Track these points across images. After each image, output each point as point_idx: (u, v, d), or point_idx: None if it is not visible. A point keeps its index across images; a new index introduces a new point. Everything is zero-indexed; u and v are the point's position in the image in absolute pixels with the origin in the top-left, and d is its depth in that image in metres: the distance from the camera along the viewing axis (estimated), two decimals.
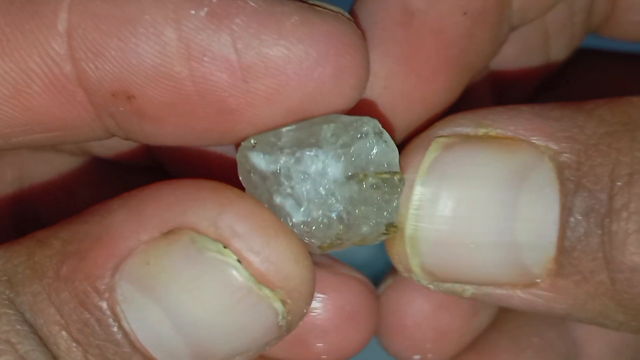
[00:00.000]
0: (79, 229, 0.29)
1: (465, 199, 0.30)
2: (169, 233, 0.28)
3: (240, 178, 0.30)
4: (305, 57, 0.28)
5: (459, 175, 0.30)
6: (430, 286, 0.32)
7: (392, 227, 0.31)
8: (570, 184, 0.30)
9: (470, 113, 0.31)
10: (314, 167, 0.30)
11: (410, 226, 0.31)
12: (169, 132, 0.30)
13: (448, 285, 0.32)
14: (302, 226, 0.30)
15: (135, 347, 0.29)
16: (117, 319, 0.28)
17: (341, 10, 0.30)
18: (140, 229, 0.28)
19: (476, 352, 0.39)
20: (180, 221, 0.28)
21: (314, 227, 0.30)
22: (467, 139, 0.31)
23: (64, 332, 0.28)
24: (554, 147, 0.30)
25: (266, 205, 0.30)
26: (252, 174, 0.30)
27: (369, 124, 0.31)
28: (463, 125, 0.31)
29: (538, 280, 0.30)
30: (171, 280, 0.28)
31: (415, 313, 0.38)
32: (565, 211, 0.29)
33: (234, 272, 0.28)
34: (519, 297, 0.31)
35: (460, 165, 0.30)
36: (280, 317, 0.29)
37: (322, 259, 0.36)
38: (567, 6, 0.40)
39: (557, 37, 0.41)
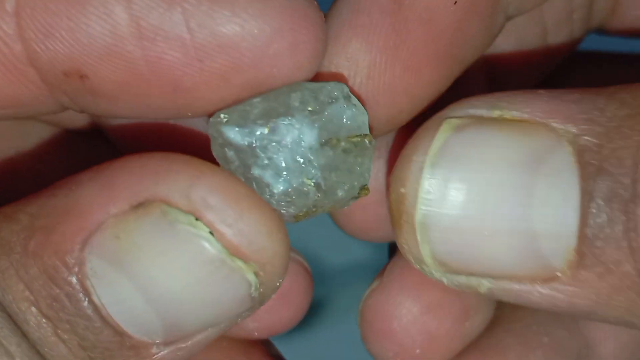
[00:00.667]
0: (46, 202, 0.28)
1: (479, 183, 0.28)
2: (140, 206, 0.28)
3: (213, 154, 0.30)
4: (260, 34, 0.28)
5: (471, 157, 0.28)
6: (444, 279, 0.30)
7: (364, 190, 0.31)
8: (591, 167, 0.28)
9: (485, 96, 0.29)
10: (289, 136, 0.29)
11: (420, 211, 0.29)
12: (124, 109, 0.30)
13: (462, 279, 0.30)
14: (282, 196, 0.29)
15: (106, 321, 0.28)
16: (87, 293, 0.28)
17: None
18: (110, 202, 0.28)
19: (482, 351, 0.37)
20: (151, 193, 0.28)
21: (294, 196, 0.30)
22: (480, 120, 0.29)
23: (33, 308, 0.28)
24: (573, 129, 0.28)
25: (242, 179, 0.29)
26: (226, 149, 0.29)
27: (337, 88, 0.30)
28: (476, 106, 0.29)
29: (558, 274, 0.28)
30: (142, 254, 0.28)
31: (403, 316, 0.36)
32: (586, 197, 0.28)
33: (206, 244, 0.28)
34: (539, 292, 0.29)
35: (473, 147, 0.28)
36: (253, 288, 0.29)
37: None
38: (566, 2, 0.39)
39: (555, 34, 0.40)
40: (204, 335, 0.30)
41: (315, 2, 0.29)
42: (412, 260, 0.30)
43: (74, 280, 0.28)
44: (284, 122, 0.29)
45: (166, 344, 0.29)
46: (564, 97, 0.29)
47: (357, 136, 0.30)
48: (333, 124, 0.30)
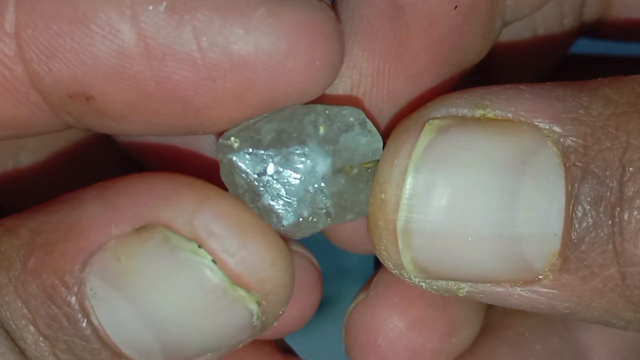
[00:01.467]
0: (48, 218, 0.28)
1: (463, 187, 0.28)
2: (142, 229, 0.27)
3: (222, 178, 0.29)
4: (275, 52, 0.27)
5: (455, 161, 0.28)
6: (423, 284, 0.29)
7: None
8: (577, 169, 0.27)
9: (466, 93, 0.29)
10: (302, 166, 0.29)
11: (402, 217, 0.28)
12: (132, 128, 0.29)
13: (442, 283, 0.29)
14: (292, 227, 0.29)
15: (104, 342, 0.28)
16: (86, 314, 0.28)
17: None
18: (112, 223, 0.27)
19: None
20: (155, 217, 0.27)
21: (303, 226, 0.29)
22: (463, 121, 0.28)
23: (31, 327, 0.27)
24: (558, 129, 0.28)
25: (250, 205, 0.29)
26: (235, 175, 0.29)
27: (354, 115, 0.29)
28: (459, 105, 0.28)
29: (540, 277, 0.28)
30: (142, 279, 0.27)
31: (388, 331, 0.35)
32: (572, 200, 0.27)
33: (209, 273, 0.27)
34: (519, 295, 0.28)
35: (457, 150, 0.28)
36: (255, 317, 0.28)
37: None
38: (557, 7, 0.39)
39: (546, 39, 0.39)
40: (205, 358, 0.29)
41: (332, 11, 0.28)
42: (391, 267, 0.29)
43: (73, 300, 0.27)
44: (297, 152, 0.29)
45: None
46: (547, 93, 0.28)
47: (370, 162, 0.30)
48: (347, 152, 0.29)
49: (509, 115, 0.28)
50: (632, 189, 0.27)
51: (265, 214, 0.29)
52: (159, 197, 0.27)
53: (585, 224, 0.27)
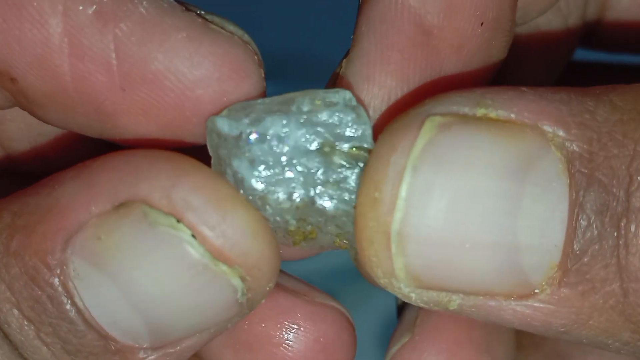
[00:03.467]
0: (29, 201, 0.28)
1: (463, 190, 0.26)
2: (121, 206, 0.27)
3: (209, 151, 0.29)
4: (186, 76, 0.28)
5: (457, 161, 0.26)
6: (412, 295, 0.27)
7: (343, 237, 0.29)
8: (582, 176, 0.26)
9: (467, 91, 0.27)
10: (272, 130, 0.28)
11: (397, 220, 0.26)
12: (54, 117, 0.29)
13: (433, 294, 0.27)
14: (256, 193, 0.28)
15: (89, 324, 0.27)
16: (69, 295, 0.27)
17: (240, 32, 0.29)
18: (91, 202, 0.27)
19: None
20: (132, 193, 0.27)
21: (275, 194, 0.28)
22: (465, 119, 0.27)
23: (15, 310, 0.27)
24: (563, 134, 0.26)
25: (230, 172, 0.28)
26: (218, 143, 0.28)
27: (341, 94, 0.28)
28: (459, 103, 0.27)
29: (536, 290, 0.26)
30: (123, 257, 0.27)
31: None
32: (575, 209, 0.26)
33: (188, 248, 0.27)
34: (512, 309, 0.27)
35: (458, 150, 0.26)
36: (239, 294, 0.28)
37: (298, 285, 0.35)
38: (562, 22, 0.39)
39: (551, 49, 0.39)
40: (193, 341, 0.29)
41: (255, 51, 0.29)
42: (380, 275, 0.27)
43: (55, 281, 0.27)
44: (271, 117, 0.28)
45: (154, 348, 0.28)
46: (551, 96, 0.27)
47: (357, 147, 0.28)
48: (326, 130, 0.28)
49: (512, 115, 0.27)
50: None
51: (236, 177, 0.28)
52: (136, 172, 0.27)
53: (589, 234, 0.26)
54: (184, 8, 0.28)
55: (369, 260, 0.27)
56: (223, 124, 0.28)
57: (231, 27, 0.28)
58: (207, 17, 0.28)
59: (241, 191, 0.28)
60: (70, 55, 0.28)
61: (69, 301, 0.27)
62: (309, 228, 0.28)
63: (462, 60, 0.30)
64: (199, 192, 0.27)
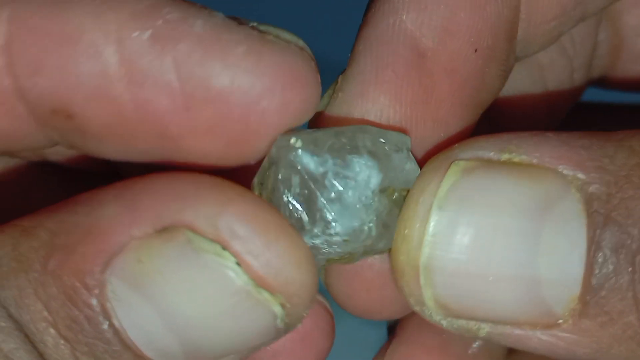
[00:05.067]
0: (67, 219, 0.28)
1: (486, 227, 0.28)
2: (164, 230, 0.27)
3: (267, 164, 0.29)
4: (250, 90, 0.28)
5: (479, 201, 0.28)
6: (443, 322, 0.29)
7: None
8: (599, 216, 0.28)
9: (493, 137, 0.29)
10: (362, 175, 0.29)
11: (425, 254, 0.28)
12: (112, 150, 0.29)
13: (462, 322, 0.29)
14: (338, 236, 0.29)
15: (126, 344, 0.27)
16: (107, 316, 0.27)
17: (295, 39, 0.29)
18: (134, 224, 0.27)
19: None
20: (177, 219, 0.27)
21: (348, 237, 0.29)
22: (489, 163, 0.29)
23: (51, 329, 0.27)
24: (582, 177, 0.28)
25: (299, 209, 0.29)
26: (293, 173, 0.29)
27: (403, 139, 0.30)
28: (485, 148, 0.29)
29: (560, 321, 0.28)
30: (164, 281, 0.27)
31: None
32: (593, 246, 0.28)
33: (232, 275, 0.27)
34: (538, 338, 0.28)
35: (481, 191, 0.28)
36: (279, 320, 0.28)
37: None
38: (567, 63, 0.40)
39: (557, 93, 0.40)
40: None
41: (312, 58, 0.29)
42: (413, 303, 0.29)
43: (94, 302, 0.27)
44: (357, 160, 0.29)
45: None
46: (573, 142, 0.29)
47: (407, 190, 0.30)
48: (394, 173, 0.29)
49: (534, 160, 0.28)
50: None
51: (315, 217, 0.29)
52: (181, 197, 0.27)
53: (605, 270, 0.27)
54: (237, 22, 0.28)
55: (401, 290, 0.29)
56: (308, 160, 0.28)
57: (286, 36, 0.29)
58: (261, 28, 0.28)
59: (311, 224, 0.29)
60: (130, 83, 0.28)
61: (107, 321, 0.27)
62: (348, 257, 0.30)
63: (455, 85, 0.31)
64: (245, 221, 0.27)
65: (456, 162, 0.29)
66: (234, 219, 0.27)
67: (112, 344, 0.27)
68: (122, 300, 0.27)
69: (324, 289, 0.35)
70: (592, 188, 0.28)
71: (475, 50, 0.31)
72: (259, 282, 0.27)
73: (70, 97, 0.28)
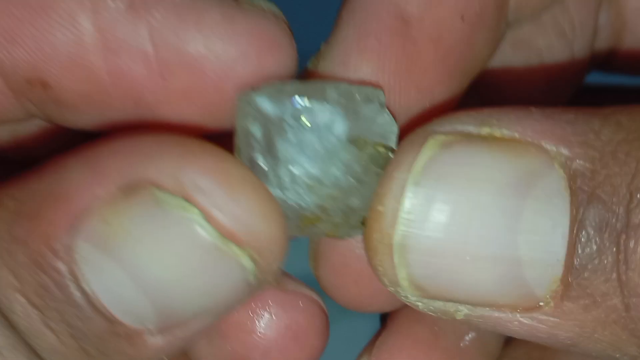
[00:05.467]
0: (31, 186, 0.27)
1: (464, 204, 0.27)
2: (129, 189, 0.27)
3: (236, 127, 0.29)
4: (224, 55, 0.28)
5: (457, 177, 0.27)
6: (419, 304, 0.28)
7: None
8: (583, 194, 0.26)
9: (474, 111, 0.28)
10: (320, 118, 0.28)
11: (399, 231, 0.27)
12: (88, 119, 0.29)
13: (439, 304, 0.28)
14: (303, 178, 0.28)
15: (96, 308, 0.27)
16: (76, 280, 0.27)
17: (271, 6, 0.29)
18: (98, 185, 0.27)
19: None
20: (140, 176, 0.27)
21: (311, 180, 0.28)
22: (468, 138, 0.27)
23: (20, 297, 0.27)
24: (566, 152, 0.27)
25: (258, 156, 0.28)
26: (250, 121, 0.28)
27: (375, 93, 0.29)
28: (465, 122, 0.28)
29: (541, 303, 0.27)
30: (132, 240, 0.26)
31: None
32: (576, 224, 0.26)
33: (199, 229, 0.26)
34: (518, 321, 0.27)
35: (459, 166, 0.27)
36: (250, 274, 0.27)
37: None
38: (567, 46, 0.38)
39: (556, 77, 0.39)
40: (201, 322, 0.28)
41: (286, 24, 0.29)
42: (387, 283, 0.28)
43: (62, 266, 0.27)
44: (317, 104, 0.28)
45: (160, 331, 0.28)
46: (558, 116, 0.27)
47: (384, 146, 0.29)
48: (365, 124, 0.29)
49: (516, 134, 0.27)
50: (639, 217, 0.26)
51: (276, 162, 0.28)
52: (144, 155, 0.27)
53: (589, 250, 0.26)
54: None
55: (375, 269, 0.28)
56: (265, 104, 0.28)
57: (261, 3, 0.29)
58: None
59: (274, 170, 0.28)
60: (105, 50, 0.28)
61: (76, 286, 0.27)
62: (322, 216, 0.29)
63: (440, 53, 0.30)
64: (209, 174, 0.27)
65: (434, 136, 0.27)
66: (196, 173, 0.26)
67: (83, 308, 0.27)
68: (90, 264, 0.27)
69: (317, 286, 0.35)
70: (576, 164, 0.27)
71: (462, 17, 0.30)
72: (227, 236, 0.27)
73: (46, 66, 0.28)
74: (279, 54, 0.28)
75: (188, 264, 0.27)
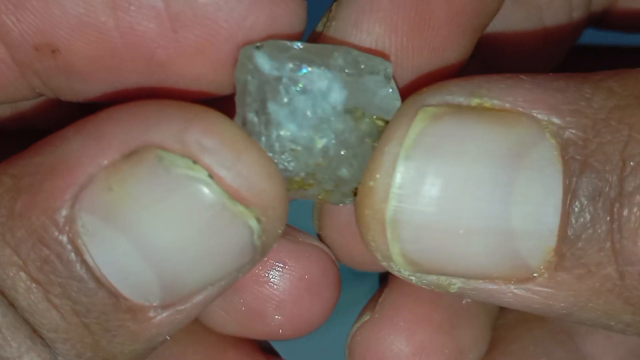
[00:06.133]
0: (30, 162, 0.27)
1: (456, 177, 0.26)
2: (132, 154, 0.26)
3: (235, 78, 0.28)
4: (236, 5, 0.27)
5: (448, 150, 0.27)
6: (412, 278, 0.28)
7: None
8: (576, 163, 0.26)
9: (463, 80, 0.28)
10: (318, 85, 0.28)
11: (391, 207, 0.27)
12: (97, 88, 0.29)
13: (432, 278, 0.28)
14: (288, 141, 0.28)
15: (100, 282, 0.26)
16: (79, 253, 0.26)
17: None
18: (100, 153, 0.26)
19: None
20: (144, 140, 0.26)
21: (298, 147, 0.28)
22: (458, 109, 0.27)
23: (22, 273, 0.26)
24: (558, 121, 0.26)
25: (251, 115, 0.28)
26: (249, 76, 0.28)
27: (383, 64, 0.28)
28: (455, 93, 0.27)
29: (535, 274, 0.27)
30: (137, 205, 0.26)
31: (394, 356, 0.34)
32: (569, 194, 0.26)
33: (206, 189, 0.26)
34: (512, 293, 0.27)
35: (450, 138, 0.27)
36: (255, 235, 0.27)
37: None
38: (565, 2, 0.38)
39: (554, 33, 0.38)
40: (204, 296, 0.28)
41: None
42: (380, 258, 0.28)
43: (64, 239, 0.26)
44: (318, 70, 0.28)
45: (164, 306, 0.28)
46: (548, 84, 0.27)
47: (382, 119, 0.28)
48: (365, 95, 0.28)
49: (507, 105, 0.27)
50: (632, 185, 0.25)
51: (263, 123, 0.28)
52: (146, 120, 0.26)
53: (582, 219, 0.26)
54: None
55: (368, 245, 0.28)
56: (263, 61, 0.28)
57: None
58: None
59: (264, 131, 0.28)
60: (115, 9, 0.27)
61: (79, 259, 0.26)
62: (310, 182, 0.29)
63: (453, 11, 0.30)
64: (213, 134, 0.26)
65: (424, 108, 0.27)
66: (200, 133, 0.26)
67: (86, 282, 0.26)
68: (94, 235, 0.26)
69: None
70: (568, 133, 0.26)
71: None
72: (233, 195, 0.26)
73: (55, 30, 0.27)
74: (292, 3, 0.28)
75: (195, 226, 0.26)
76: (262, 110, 0.28)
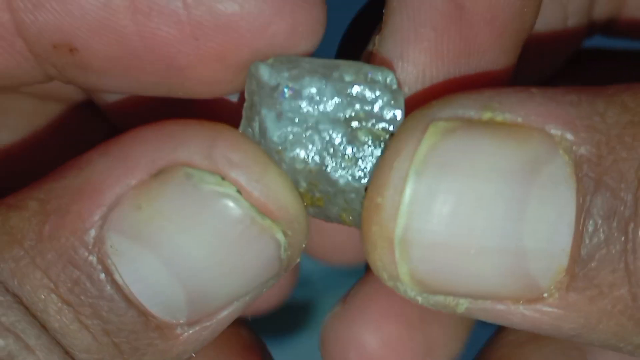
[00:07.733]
0: (56, 185, 0.27)
1: (467, 195, 0.26)
2: (160, 173, 0.26)
3: (245, 90, 0.29)
4: (259, 14, 0.27)
5: (460, 167, 0.26)
6: (418, 298, 0.27)
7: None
8: (590, 181, 0.25)
9: (475, 93, 0.27)
10: (315, 96, 0.28)
11: (400, 226, 0.26)
12: (113, 84, 0.29)
13: (439, 298, 0.27)
14: (280, 149, 0.28)
15: (129, 300, 0.27)
16: (108, 273, 0.27)
17: None
18: (128, 174, 0.27)
19: None
20: (171, 159, 0.27)
21: (290, 154, 0.28)
22: (470, 124, 0.26)
23: (53, 295, 0.26)
24: (571, 137, 0.26)
25: (254, 125, 0.28)
26: (254, 89, 0.28)
27: (384, 73, 0.28)
28: (465, 107, 0.26)
29: (545, 295, 0.26)
30: (167, 222, 0.26)
31: (360, 348, 0.35)
32: (583, 213, 0.25)
33: (235, 204, 0.27)
34: (521, 313, 0.26)
35: (462, 155, 0.26)
36: (282, 249, 0.28)
37: None
38: (560, 9, 0.37)
39: (548, 40, 0.38)
40: (229, 311, 0.28)
41: None
42: (386, 278, 0.27)
43: (94, 260, 0.26)
44: (313, 78, 0.28)
45: (190, 324, 0.28)
46: (560, 97, 0.26)
47: (384, 130, 0.28)
48: (362, 106, 0.28)
49: (519, 119, 0.26)
50: None
51: (258, 127, 0.28)
52: (172, 139, 0.27)
53: (596, 239, 0.25)
54: None
55: (374, 264, 0.27)
56: (264, 72, 0.28)
57: None
58: None
59: (262, 141, 0.28)
60: (136, 13, 0.27)
61: (109, 279, 0.27)
62: (317, 195, 0.28)
63: (496, 32, 0.29)
64: (240, 150, 0.27)
65: (435, 122, 0.26)
66: (228, 149, 0.27)
67: (116, 301, 0.27)
68: (122, 255, 0.26)
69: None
70: (582, 149, 0.26)
71: None
72: (261, 209, 0.27)
73: (74, 30, 0.27)
74: (312, 10, 0.28)
75: (225, 241, 0.27)
76: (259, 119, 0.28)
